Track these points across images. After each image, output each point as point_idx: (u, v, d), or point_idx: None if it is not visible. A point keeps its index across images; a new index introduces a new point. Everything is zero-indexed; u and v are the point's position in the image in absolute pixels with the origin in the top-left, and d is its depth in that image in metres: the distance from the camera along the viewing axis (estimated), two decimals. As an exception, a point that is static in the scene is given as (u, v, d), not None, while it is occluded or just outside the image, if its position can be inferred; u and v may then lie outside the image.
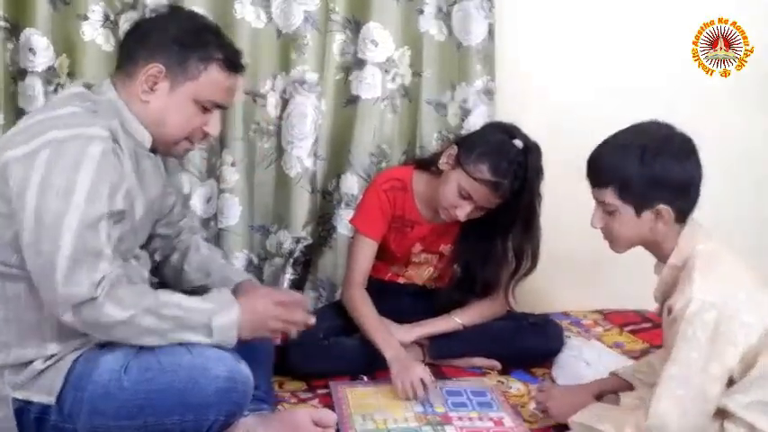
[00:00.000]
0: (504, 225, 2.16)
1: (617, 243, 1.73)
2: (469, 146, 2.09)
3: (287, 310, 1.70)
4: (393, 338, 2.11)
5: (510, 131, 2.09)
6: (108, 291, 1.49)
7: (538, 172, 2.06)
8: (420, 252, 2.32)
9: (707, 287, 1.58)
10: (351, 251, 2.26)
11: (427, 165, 2.26)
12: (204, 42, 1.67)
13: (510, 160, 2.02)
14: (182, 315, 1.57)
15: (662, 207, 1.64)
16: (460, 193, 2.06)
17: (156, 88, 1.64)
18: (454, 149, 2.11)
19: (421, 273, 2.36)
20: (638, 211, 1.66)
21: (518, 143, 2.05)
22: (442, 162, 2.13)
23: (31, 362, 1.56)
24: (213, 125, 1.72)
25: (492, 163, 2.02)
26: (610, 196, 1.67)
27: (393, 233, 2.26)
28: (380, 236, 2.23)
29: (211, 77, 1.67)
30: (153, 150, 1.71)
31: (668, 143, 1.65)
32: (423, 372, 2.01)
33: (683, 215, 1.67)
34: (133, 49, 1.67)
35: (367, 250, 2.23)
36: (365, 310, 2.17)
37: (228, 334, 1.59)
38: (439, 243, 2.31)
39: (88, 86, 1.69)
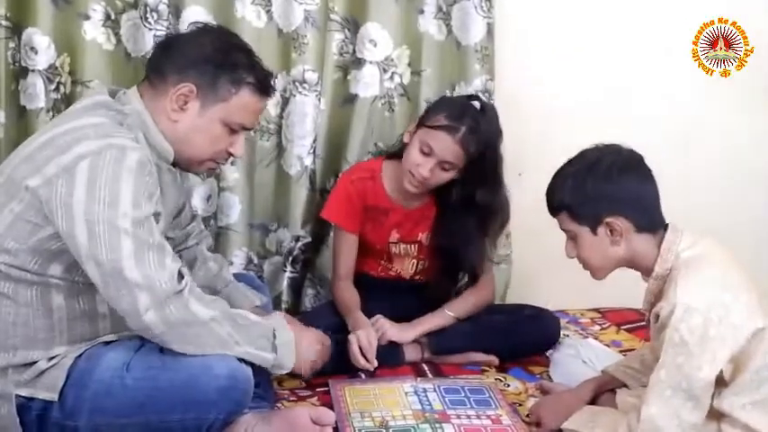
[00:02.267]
0: (472, 193, 2.20)
1: (593, 269, 1.76)
2: (429, 109, 2.24)
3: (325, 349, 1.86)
4: (362, 318, 2.20)
5: (469, 96, 2.26)
6: (191, 287, 1.51)
7: (497, 130, 2.16)
8: (398, 241, 2.35)
9: (691, 291, 1.59)
10: (333, 247, 2.37)
11: (396, 153, 2.31)
12: (236, 63, 1.64)
13: (466, 110, 2.14)
14: (250, 326, 1.60)
15: (611, 220, 1.67)
16: (422, 150, 2.13)
17: (186, 108, 1.62)
18: (415, 121, 2.23)
19: (406, 266, 2.39)
20: (593, 230, 1.70)
21: (475, 103, 2.18)
22: (405, 136, 2.23)
23: (35, 362, 1.56)
24: (238, 146, 1.72)
25: (448, 111, 2.14)
26: (566, 222, 1.74)
27: (369, 224, 2.31)
28: (356, 227, 2.30)
29: (242, 100, 1.65)
30: (174, 164, 1.70)
31: (596, 164, 1.70)
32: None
33: (641, 226, 1.69)
34: (163, 64, 1.64)
35: (345, 243, 2.32)
36: (345, 296, 2.28)
37: (288, 353, 1.62)
38: (416, 231, 2.34)
39: (112, 93, 1.65)
